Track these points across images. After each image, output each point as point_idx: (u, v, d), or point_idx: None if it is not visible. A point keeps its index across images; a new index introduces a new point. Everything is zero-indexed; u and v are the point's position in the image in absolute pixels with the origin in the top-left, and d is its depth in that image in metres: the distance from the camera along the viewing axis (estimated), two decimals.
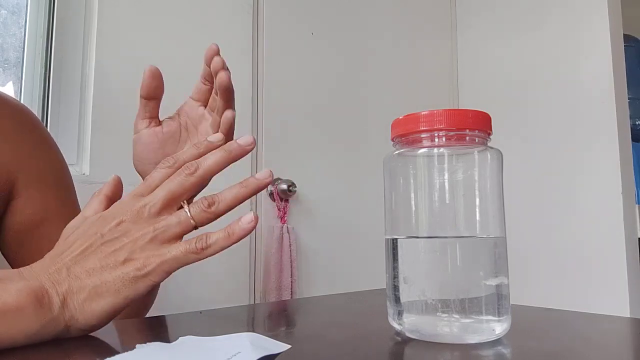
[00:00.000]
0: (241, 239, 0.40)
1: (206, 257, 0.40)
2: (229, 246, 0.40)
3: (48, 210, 0.64)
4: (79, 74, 1.16)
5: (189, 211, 0.40)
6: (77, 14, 1.17)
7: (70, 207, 0.67)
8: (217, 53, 0.59)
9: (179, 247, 0.39)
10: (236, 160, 0.44)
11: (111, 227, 0.40)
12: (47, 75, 1.14)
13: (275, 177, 1.38)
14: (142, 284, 0.38)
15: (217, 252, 0.40)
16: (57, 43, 1.14)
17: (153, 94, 0.62)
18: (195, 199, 0.45)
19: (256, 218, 0.40)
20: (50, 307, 0.36)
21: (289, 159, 1.42)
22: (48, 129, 1.12)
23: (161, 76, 0.62)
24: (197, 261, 0.40)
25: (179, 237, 0.40)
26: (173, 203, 0.41)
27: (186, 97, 1.30)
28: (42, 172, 0.65)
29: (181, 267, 0.40)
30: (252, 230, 0.41)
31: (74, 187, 0.71)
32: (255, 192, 0.43)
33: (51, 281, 0.37)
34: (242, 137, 0.44)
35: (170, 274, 0.39)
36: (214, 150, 0.43)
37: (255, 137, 1.37)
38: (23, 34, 1.14)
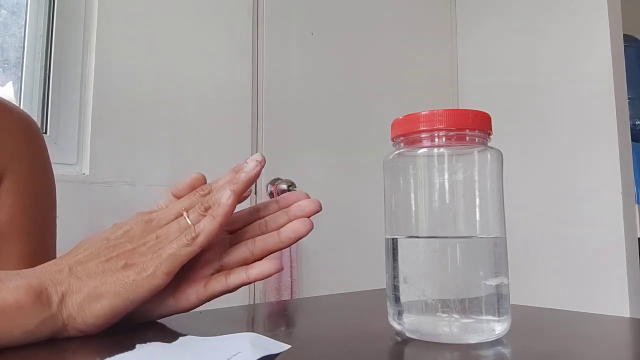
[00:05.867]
0: (226, 216, 0.41)
1: (201, 246, 0.40)
2: (218, 228, 0.40)
3: (10, 224, 0.60)
4: (79, 74, 1.16)
5: (188, 217, 0.41)
6: (77, 14, 1.17)
7: (36, 238, 0.62)
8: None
9: (171, 245, 0.40)
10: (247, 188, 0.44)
11: (119, 234, 0.41)
12: (47, 75, 1.14)
13: (275, 177, 1.38)
14: (142, 287, 0.39)
15: (209, 238, 0.40)
16: (57, 43, 1.14)
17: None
18: None
19: (233, 193, 0.41)
20: (49, 304, 0.36)
21: (289, 159, 1.42)
22: (48, 129, 1.12)
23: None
24: (193, 254, 0.40)
25: None
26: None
27: (186, 97, 1.30)
28: (24, 183, 0.62)
29: (180, 264, 0.40)
30: (233, 205, 0.41)
31: (53, 222, 0.66)
32: (248, 185, 0.43)
33: (51, 280, 0.38)
34: (247, 164, 0.44)
35: (171, 274, 0.40)
36: (225, 185, 0.43)
37: (256, 137, 1.38)
38: (23, 34, 1.14)
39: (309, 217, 0.44)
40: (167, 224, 0.42)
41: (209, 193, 0.43)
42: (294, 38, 1.48)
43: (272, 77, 1.42)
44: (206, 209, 0.42)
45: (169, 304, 0.42)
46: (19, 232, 0.61)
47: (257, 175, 0.43)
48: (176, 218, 0.42)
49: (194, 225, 0.41)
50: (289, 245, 0.44)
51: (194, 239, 0.40)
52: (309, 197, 0.45)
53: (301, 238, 0.43)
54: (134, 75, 1.20)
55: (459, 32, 1.86)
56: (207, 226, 0.40)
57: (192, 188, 0.45)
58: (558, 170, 1.54)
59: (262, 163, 0.44)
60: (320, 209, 0.44)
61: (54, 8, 1.14)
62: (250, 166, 0.43)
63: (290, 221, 0.44)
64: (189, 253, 0.40)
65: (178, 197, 0.46)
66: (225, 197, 0.41)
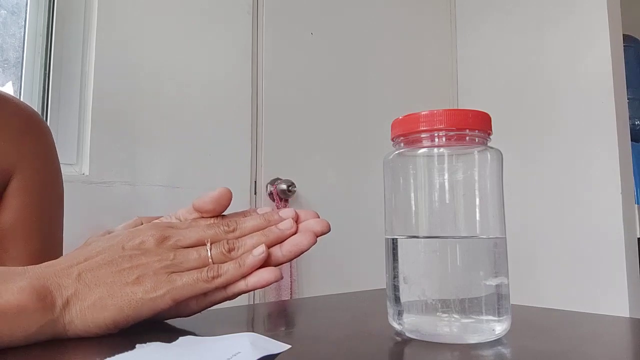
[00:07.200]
0: (252, 270, 0.41)
1: (216, 287, 0.40)
2: (240, 277, 0.41)
3: (20, 223, 0.61)
4: (79, 74, 1.16)
5: (210, 250, 0.41)
6: (77, 13, 1.17)
7: (44, 236, 0.63)
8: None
9: (190, 274, 0.40)
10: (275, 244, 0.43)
11: (134, 244, 0.40)
12: (47, 75, 1.14)
13: (275, 177, 1.38)
14: (146, 307, 0.38)
15: (227, 282, 0.40)
16: (56, 43, 1.14)
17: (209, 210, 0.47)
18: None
19: (267, 249, 0.41)
20: (52, 308, 0.36)
21: (288, 159, 1.42)
22: None
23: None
24: (206, 291, 0.40)
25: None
26: (199, 246, 0.42)
27: (186, 97, 1.30)
28: (34, 182, 0.62)
29: (190, 295, 0.40)
30: (263, 261, 0.41)
31: (61, 221, 0.67)
32: (277, 242, 0.43)
33: (57, 283, 0.37)
34: (284, 222, 0.44)
35: (178, 302, 0.40)
36: (256, 233, 0.43)
37: (255, 137, 1.38)
38: (23, 34, 1.13)
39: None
40: (185, 246, 0.41)
41: (234, 231, 0.43)
42: (294, 38, 1.48)
43: (272, 77, 1.42)
44: (230, 250, 0.42)
45: (169, 311, 0.42)
46: (29, 231, 0.61)
47: (290, 235, 0.43)
48: (196, 244, 0.42)
49: (214, 262, 0.41)
50: (291, 260, 0.44)
51: (214, 278, 0.40)
52: (318, 217, 0.45)
53: (303, 252, 0.43)
54: (133, 76, 1.20)
55: (459, 32, 1.86)
56: (231, 272, 0.40)
57: (217, 204, 0.44)
58: (558, 170, 1.54)
59: (296, 228, 0.44)
60: (329, 230, 0.44)
61: (53, 8, 1.14)
62: (287, 225, 0.43)
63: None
64: (203, 289, 0.40)
65: (200, 212, 0.45)
66: (258, 252, 0.41)
